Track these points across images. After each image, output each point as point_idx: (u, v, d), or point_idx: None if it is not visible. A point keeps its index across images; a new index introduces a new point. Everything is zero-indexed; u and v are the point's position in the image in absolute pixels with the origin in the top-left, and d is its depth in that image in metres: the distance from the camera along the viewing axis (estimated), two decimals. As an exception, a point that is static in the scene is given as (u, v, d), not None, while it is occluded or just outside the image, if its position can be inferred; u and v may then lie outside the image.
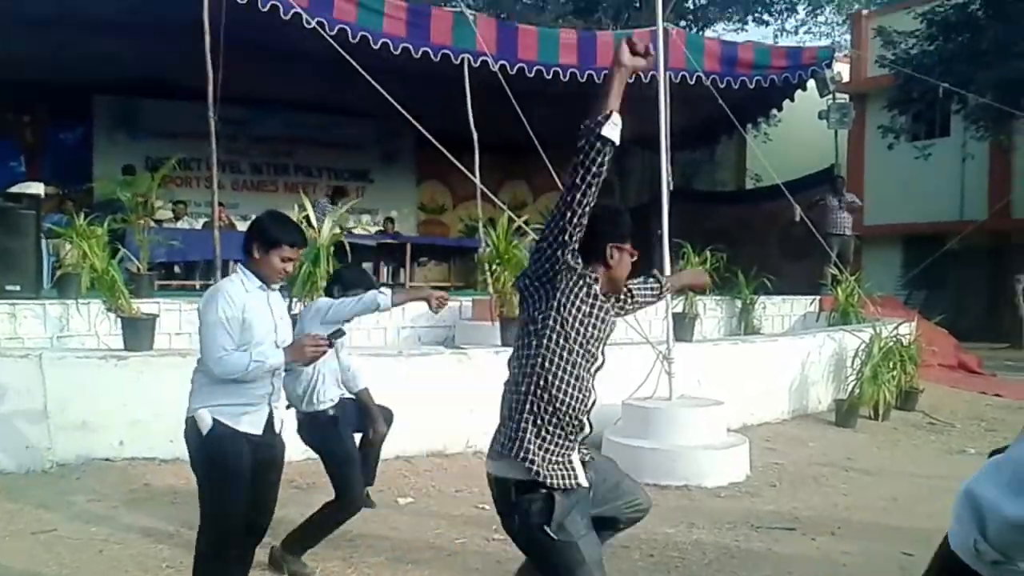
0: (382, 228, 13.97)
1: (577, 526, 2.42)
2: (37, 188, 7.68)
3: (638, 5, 20.16)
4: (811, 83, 12.58)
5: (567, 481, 2.44)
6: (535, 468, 2.40)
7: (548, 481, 2.40)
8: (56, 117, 13.45)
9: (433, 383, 6.52)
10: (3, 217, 6.97)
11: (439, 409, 6.47)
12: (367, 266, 12.56)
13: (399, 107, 8.22)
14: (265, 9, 8.75)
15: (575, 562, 2.39)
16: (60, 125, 13.59)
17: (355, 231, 12.70)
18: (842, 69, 18.69)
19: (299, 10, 8.76)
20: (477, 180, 8.87)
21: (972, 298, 18.11)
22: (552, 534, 2.38)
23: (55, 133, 13.59)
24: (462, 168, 8.84)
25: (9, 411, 5.44)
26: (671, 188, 8.99)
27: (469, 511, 5.21)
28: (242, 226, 12.94)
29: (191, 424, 3.13)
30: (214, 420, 3.07)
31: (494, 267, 7.38)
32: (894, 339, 8.82)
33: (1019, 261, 15.99)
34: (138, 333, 5.91)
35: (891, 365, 8.59)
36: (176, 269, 10.73)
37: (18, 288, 6.80)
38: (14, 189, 7.62)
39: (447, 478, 5.96)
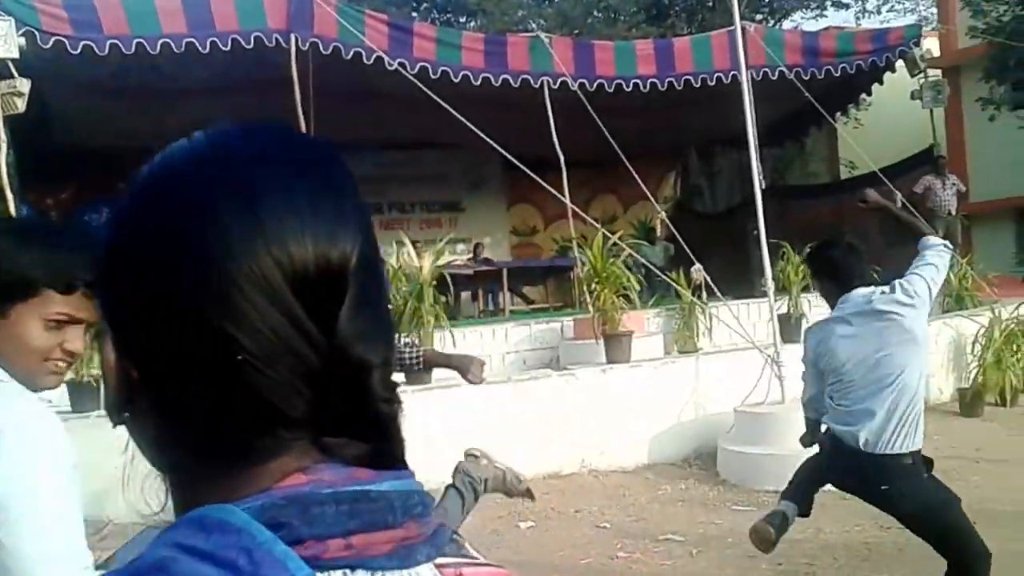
0: (472, 255, 14.19)
1: None
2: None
3: (712, 4, 19.96)
4: (900, 63, 12.21)
5: None
6: None
7: None
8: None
9: (543, 405, 6.61)
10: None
11: (551, 431, 6.56)
12: (465, 296, 12.80)
13: (486, 137, 8.38)
14: (349, 57, 9.08)
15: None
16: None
17: (454, 262, 12.95)
18: (931, 44, 18.07)
19: (381, 54, 9.05)
20: (567, 200, 8.95)
21: (1097, 269, 17.13)
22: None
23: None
24: (550, 189, 8.94)
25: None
26: (763, 187, 8.88)
27: (590, 531, 5.26)
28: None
29: None
30: None
31: (593, 285, 7.44)
32: (1015, 320, 8.45)
33: None
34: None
35: (1015, 348, 8.24)
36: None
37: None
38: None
39: (565, 499, 6.02)
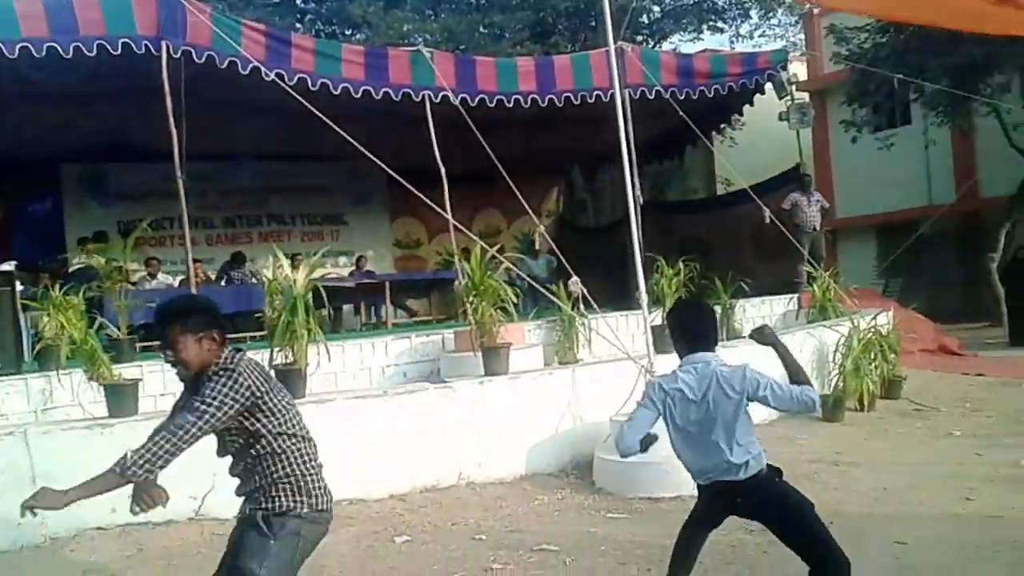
0: (355, 268, 14.05)
1: None
2: (9, 266, 7.76)
3: (594, 25, 20.41)
4: (769, 86, 12.78)
5: None
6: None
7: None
8: (25, 190, 13.49)
9: (421, 420, 6.56)
10: (-22, 296, 7.01)
11: (429, 444, 6.52)
12: (347, 308, 12.62)
13: (364, 151, 8.29)
14: (224, 66, 8.85)
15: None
16: (29, 198, 13.64)
17: (330, 275, 12.77)
18: (799, 69, 19.00)
19: (257, 64, 8.85)
20: (448, 214, 8.95)
21: (948, 281, 18.35)
22: None
23: (25, 206, 13.63)
24: (431, 204, 8.92)
25: (-2, 490, 5.43)
26: (641, 202, 9.08)
27: (466, 544, 5.24)
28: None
29: None
30: None
31: (471, 298, 7.46)
32: (872, 330, 8.92)
33: (991, 239, 16.20)
34: (122, 399, 5.93)
35: (872, 356, 8.69)
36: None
37: (-1, 365, 6.81)
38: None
39: (442, 512, 5.98)
